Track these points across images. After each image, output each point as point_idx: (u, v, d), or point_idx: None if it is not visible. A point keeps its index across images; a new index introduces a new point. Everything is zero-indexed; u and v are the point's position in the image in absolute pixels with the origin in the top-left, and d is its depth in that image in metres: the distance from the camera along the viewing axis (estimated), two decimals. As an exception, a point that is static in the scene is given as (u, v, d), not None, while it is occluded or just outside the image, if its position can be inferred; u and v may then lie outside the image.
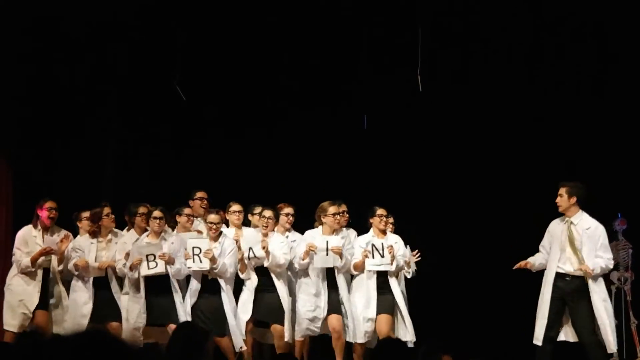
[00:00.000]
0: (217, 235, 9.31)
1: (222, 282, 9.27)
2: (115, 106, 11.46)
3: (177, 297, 9.29)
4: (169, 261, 9.21)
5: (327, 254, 9.22)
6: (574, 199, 8.80)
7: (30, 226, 9.49)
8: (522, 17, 10.29)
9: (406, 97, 10.91)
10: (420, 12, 10.33)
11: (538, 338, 8.80)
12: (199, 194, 9.85)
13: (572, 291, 8.76)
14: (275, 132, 11.48)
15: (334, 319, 9.23)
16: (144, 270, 9.17)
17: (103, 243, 9.45)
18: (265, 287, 9.39)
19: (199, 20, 10.84)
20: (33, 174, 11.02)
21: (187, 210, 9.55)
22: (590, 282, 8.69)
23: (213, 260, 9.11)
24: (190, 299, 9.25)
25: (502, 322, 10.17)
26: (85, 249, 9.36)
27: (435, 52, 10.61)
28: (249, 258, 9.36)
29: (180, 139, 11.53)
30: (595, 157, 10.53)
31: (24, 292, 9.36)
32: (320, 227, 9.50)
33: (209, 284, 9.27)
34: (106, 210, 9.43)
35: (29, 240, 9.41)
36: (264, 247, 9.22)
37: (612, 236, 9.68)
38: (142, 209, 9.47)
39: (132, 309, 9.26)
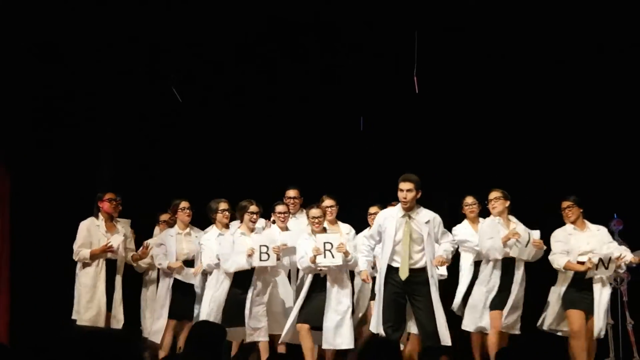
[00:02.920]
0: (321, 229, 9.38)
1: (329, 280, 9.25)
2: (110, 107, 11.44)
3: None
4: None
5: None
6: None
7: (91, 218, 9.62)
8: (517, 17, 10.31)
9: (403, 99, 10.96)
10: (417, 15, 10.36)
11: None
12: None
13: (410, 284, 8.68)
14: (270, 133, 11.51)
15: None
16: (256, 262, 9.18)
17: (182, 235, 9.65)
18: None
19: (194, 20, 10.80)
20: (30, 176, 11.01)
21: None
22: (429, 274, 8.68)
23: (347, 253, 9.12)
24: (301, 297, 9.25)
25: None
26: (167, 242, 9.58)
27: (432, 54, 10.62)
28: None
29: (178, 140, 11.55)
30: (591, 158, 10.64)
31: (92, 285, 9.45)
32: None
33: (320, 281, 9.27)
34: (183, 204, 9.63)
35: (93, 231, 9.53)
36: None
37: (609, 237, 9.72)
38: (223, 205, 9.68)
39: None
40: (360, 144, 11.39)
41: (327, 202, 9.71)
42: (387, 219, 8.80)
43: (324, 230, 9.42)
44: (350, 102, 11.26)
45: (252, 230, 9.42)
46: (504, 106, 10.95)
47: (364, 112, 11.41)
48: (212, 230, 9.78)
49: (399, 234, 8.67)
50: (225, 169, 11.41)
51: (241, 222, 9.49)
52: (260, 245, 9.14)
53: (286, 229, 9.76)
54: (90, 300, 9.42)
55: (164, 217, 10.10)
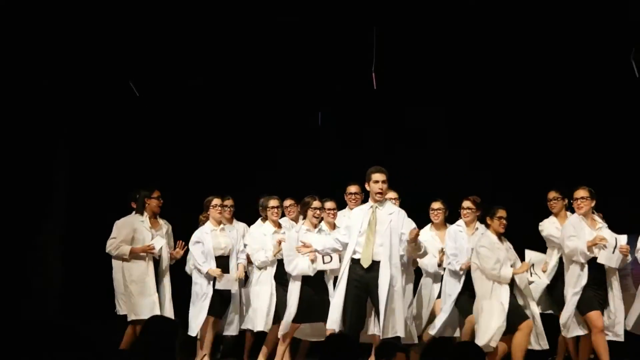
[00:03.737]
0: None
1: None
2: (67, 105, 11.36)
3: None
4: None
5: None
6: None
7: (133, 215, 9.64)
8: (477, 12, 10.35)
9: (361, 95, 10.98)
10: (376, 11, 10.36)
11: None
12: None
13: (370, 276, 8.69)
14: (229, 130, 11.49)
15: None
16: (320, 265, 9.09)
17: (217, 231, 9.59)
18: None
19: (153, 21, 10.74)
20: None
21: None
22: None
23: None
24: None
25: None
26: (204, 239, 9.50)
27: (390, 51, 10.64)
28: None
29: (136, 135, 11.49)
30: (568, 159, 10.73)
31: (141, 281, 9.49)
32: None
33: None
34: (214, 201, 9.61)
35: (138, 227, 9.56)
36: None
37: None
38: (273, 202, 9.63)
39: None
40: (317, 139, 11.40)
41: (329, 204, 9.55)
42: (356, 214, 8.88)
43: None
44: (308, 97, 11.26)
45: (315, 226, 9.35)
46: (463, 102, 11.00)
47: (322, 108, 11.41)
48: (266, 226, 9.73)
49: (364, 224, 8.71)
50: (179, 164, 11.42)
51: (304, 218, 9.44)
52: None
53: (334, 226, 9.52)
54: (142, 295, 9.46)
55: (203, 216, 9.94)
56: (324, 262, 9.03)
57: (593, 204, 8.94)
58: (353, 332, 8.51)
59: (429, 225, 9.68)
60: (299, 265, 9.08)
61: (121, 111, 11.47)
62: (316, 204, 9.32)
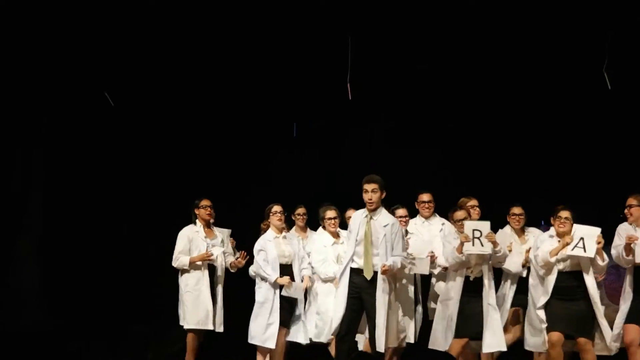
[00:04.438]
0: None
1: (485, 282, 8.81)
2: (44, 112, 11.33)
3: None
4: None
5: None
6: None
7: (190, 226, 9.71)
8: (449, 22, 10.42)
9: (337, 104, 11.01)
10: (351, 20, 10.40)
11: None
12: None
13: (367, 286, 8.64)
14: (203, 140, 11.48)
15: None
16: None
17: (280, 239, 9.51)
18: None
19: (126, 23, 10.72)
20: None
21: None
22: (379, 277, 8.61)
23: (495, 243, 8.73)
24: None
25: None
26: (266, 247, 9.44)
27: (366, 60, 10.69)
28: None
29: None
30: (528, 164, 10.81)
31: (196, 289, 9.55)
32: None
33: (471, 285, 8.86)
34: (274, 208, 9.51)
35: (193, 237, 9.63)
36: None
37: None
38: (330, 213, 9.49)
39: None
40: (293, 149, 11.42)
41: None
42: (354, 220, 8.83)
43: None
44: (284, 107, 11.27)
45: (337, 235, 9.33)
46: (436, 111, 11.06)
47: (297, 118, 11.44)
48: (325, 237, 9.58)
49: (361, 233, 8.67)
50: (155, 173, 11.41)
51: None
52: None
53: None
54: (196, 304, 9.51)
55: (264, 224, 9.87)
56: None
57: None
58: (347, 341, 8.54)
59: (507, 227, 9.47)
60: None
61: (97, 121, 11.42)
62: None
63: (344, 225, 9.46)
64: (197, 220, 9.72)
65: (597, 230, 8.58)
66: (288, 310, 9.32)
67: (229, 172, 11.42)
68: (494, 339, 8.68)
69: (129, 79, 11.10)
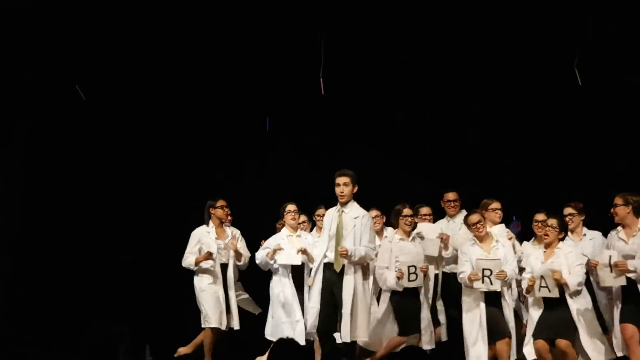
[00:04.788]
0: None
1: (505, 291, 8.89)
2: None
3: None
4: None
5: None
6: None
7: (203, 226, 9.84)
8: (425, 18, 10.44)
9: (309, 100, 11.02)
10: (324, 16, 10.41)
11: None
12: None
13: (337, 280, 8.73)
14: (177, 135, 11.45)
15: None
16: (405, 282, 8.99)
17: (293, 237, 9.66)
18: None
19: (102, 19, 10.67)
20: None
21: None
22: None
23: (507, 278, 8.79)
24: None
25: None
26: (282, 243, 9.59)
27: (338, 56, 10.69)
28: None
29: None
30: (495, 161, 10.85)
31: (211, 289, 9.69)
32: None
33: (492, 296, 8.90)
34: (288, 207, 9.75)
35: (202, 237, 9.77)
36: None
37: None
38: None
39: None
40: (265, 143, 11.42)
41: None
42: (327, 216, 8.93)
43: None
44: (256, 102, 11.27)
45: (408, 234, 9.25)
46: (409, 107, 11.08)
47: (270, 112, 11.43)
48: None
49: (333, 227, 8.75)
50: (129, 173, 11.37)
51: (395, 227, 9.33)
52: (409, 266, 8.92)
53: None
54: (212, 303, 9.65)
55: (279, 224, 10.01)
56: (409, 280, 8.94)
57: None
58: (325, 334, 8.60)
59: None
60: (388, 281, 9.02)
61: (71, 119, 11.35)
62: (406, 211, 9.27)
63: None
64: (209, 221, 9.81)
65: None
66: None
67: (201, 168, 11.39)
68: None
69: (102, 74, 11.05)
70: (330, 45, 10.54)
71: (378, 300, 9.14)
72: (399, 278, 8.91)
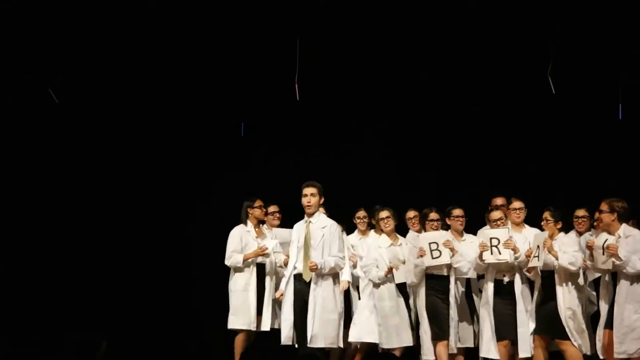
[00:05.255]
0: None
1: (517, 286, 8.95)
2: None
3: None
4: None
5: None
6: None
7: (241, 225, 9.89)
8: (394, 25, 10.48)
9: (284, 105, 11.03)
10: (299, 22, 10.42)
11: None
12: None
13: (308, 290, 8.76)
14: (148, 141, 11.42)
15: None
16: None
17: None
18: None
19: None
20: None
21: None
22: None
23: (515, 249, 8.84)
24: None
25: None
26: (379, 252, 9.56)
27: (314, 62, 10.71)
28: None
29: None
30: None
31: (243, 290, 9.74)
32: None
33: (504, 288, 9.01)
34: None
35: (243, 236, 9.83)
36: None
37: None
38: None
39: None
40: (242, 148, 11.41)
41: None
42: (296, 229, 9.03)
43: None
44: (231, 107, 11.26)
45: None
46: (384, 112, 11.12)
47: (245, 118, 11.42)
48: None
49: (301, 239, 8.87)
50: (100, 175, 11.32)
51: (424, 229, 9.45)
52: (430, 243, 9.02)
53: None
54: (242, 305, 9.70)
55: None
56: (432, 258, 9.00)
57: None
58: (303, 346, 8.64)
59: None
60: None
61: (41, 121, 11.29)
62: (433, 215, 9.39)
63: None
64: (247, 220, 9.88)
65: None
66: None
67: (176, 173, 11.37)
68: (522, 345, 8.87)
69: (77, 78, 11.01)
70: (306, 51, 10.55)
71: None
72: (421, 256, 9.02)
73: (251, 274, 9.76)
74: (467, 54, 10.51)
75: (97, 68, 10.92)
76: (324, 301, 8.67)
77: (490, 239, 8.84)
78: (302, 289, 8.77)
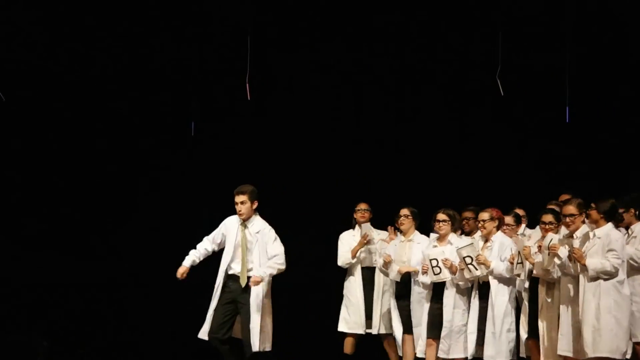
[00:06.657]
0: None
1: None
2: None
3: None
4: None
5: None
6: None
7: (350, 230, 10.04)
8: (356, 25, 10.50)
9: (235, 105, 11.01)
10: (251, 19, 10.43)
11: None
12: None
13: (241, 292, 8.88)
14: (101, 141, 11.35)
15: None
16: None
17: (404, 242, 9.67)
18: None
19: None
20: None
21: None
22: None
23: (486, 264, 8.77)
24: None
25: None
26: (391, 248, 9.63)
27: (265, 60, 10.70)
28: None
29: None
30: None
31: (352, 294, 9.88)
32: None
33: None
34: (404, 212, 9.56)
35: (350, 240, 9.92)
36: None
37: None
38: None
39: None
40: (190, 148, 11.39)
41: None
42: (231, 224, 8.98)
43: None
44: (182, 106, 11.22)
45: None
46: (341, 113, 11.15)
47: (195, 117, 11.39)
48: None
49: (238, 239, 8.89)
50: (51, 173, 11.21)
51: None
52: (431, 260, 8.96)
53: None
54: (350, 307, 9.85)
55: None
56: (434, 274, 8.99)
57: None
58: (227, 342, 8.75)
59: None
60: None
61: None
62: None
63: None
64: (356, 225, 9.94)
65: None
66: None
67: (125, 172, 11.31)
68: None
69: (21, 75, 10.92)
70: (257, 50, 10.55)
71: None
72: (424, 273, 9.05)
73: (356, 277, 9.90)
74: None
75: (43, 65, 10.83)
76: (262, 305, 8.76)
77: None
78: (236, 289, 8.83)
